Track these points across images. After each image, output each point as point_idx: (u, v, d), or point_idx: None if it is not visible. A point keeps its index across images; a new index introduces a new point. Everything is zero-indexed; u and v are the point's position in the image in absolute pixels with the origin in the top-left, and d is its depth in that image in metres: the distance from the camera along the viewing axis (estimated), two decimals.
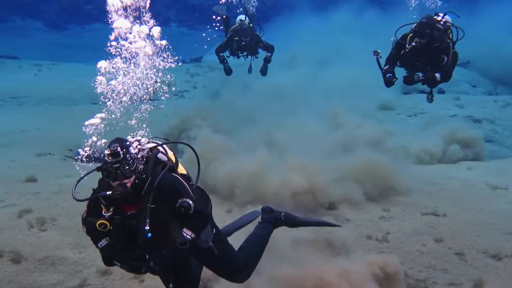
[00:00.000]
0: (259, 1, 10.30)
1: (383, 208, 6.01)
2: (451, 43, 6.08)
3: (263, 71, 9.64)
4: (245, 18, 9.22)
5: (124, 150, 2.89)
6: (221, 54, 9.47)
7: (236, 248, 3.57)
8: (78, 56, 24.39)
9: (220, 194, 6.44)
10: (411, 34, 6.05)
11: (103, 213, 2.91)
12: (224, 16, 10.00)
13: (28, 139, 9.94)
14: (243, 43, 9.18)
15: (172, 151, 3.38)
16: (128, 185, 2.84)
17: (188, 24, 36.21)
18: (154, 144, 3.20)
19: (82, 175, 2.99)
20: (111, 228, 2.90)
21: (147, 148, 3.13)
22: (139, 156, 2.96)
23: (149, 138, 3.32)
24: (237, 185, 6.28)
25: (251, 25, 9.25)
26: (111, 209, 2.91)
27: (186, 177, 3.26)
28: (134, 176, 2.87)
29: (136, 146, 3.03)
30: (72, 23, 34.41)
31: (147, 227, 2.82)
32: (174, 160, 3.29)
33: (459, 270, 4.58)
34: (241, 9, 9.84)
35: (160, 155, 3.16)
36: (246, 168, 6.43)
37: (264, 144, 7.49)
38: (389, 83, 6.31)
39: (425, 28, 5.88)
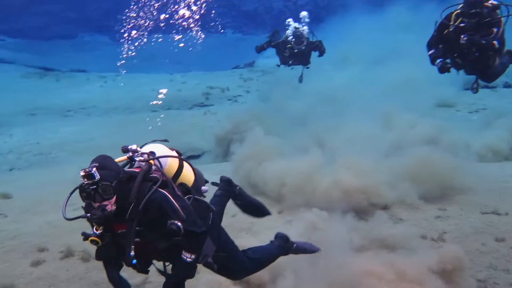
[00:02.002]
0: (311, 3, 10.32)
1: (439, 208, 5.79)
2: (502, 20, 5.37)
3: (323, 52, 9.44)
4: (299, 25, 9.16)
5: (103, 170, 2.66)
6: (267, 45, 9.57)
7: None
8: (139, 66, 25.49)
9: (269, 195, 6.46)
10: (456, 12, 5.45)
11: (94, 230, 2.81)
12: (274, 31, 10.09)
13: (96, 147, 10.62)
14: (296, 50, 9.07)
15: (178, 154, 3.20)
16: (108, 207, 2.67)
17: (242, 30, 36.82)
18: (147, 157, 2.95)
19: (69, 195, 2.84)
20: (104, 243, 2.81)
21: (139, 161, 2.95)
22: (121, 176, 2.76)
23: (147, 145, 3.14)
24: (287, 185, 6.27)
25: (305, 32, 9.16)
26: (100, 228, 2.78)
27: (185, 187, 3.11)
28: (115, 197, 2.69)
29: (119, 165, 2.86)
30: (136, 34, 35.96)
31: (132, 253, 2.69)
32: (175, 168, 3.10)
33: None
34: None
35: (153, 168, 2.94)
36: (296, 168, 6.45)
37: (315, 145, 7.50)
38: (442, 69, 5.63)
39: (473, 7, 5.26)
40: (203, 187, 3.39)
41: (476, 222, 5.31)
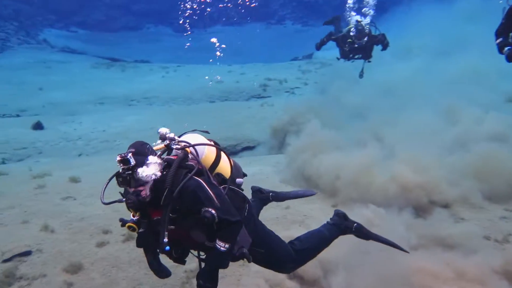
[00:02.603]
0: None
1: (505, 208, 5.50)
2: None
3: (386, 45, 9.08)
4: (361, 18, 8.89)
5: (139, 156, 2.71)
6: (326, 40, 9.29)
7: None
8: (200, 57, 26.11)
9: (323, 188, 6.43)
10: None
11: (132, 216, 2.85)
12: (334, 17, 9.84)
13: (156, 135, 11.03)
14: (357, 45, 8.83)
15: (216, 145, 3.17)
16: (143, 193, 2.69)
17: (302, 21, 36.54)
18: (185, 144, 2.96)
19: (108, 180, 2.89)
20: (141, 230, 2.85)
21: (175, 149, 2.95)
22: (158, 161, 2.77)
23: (186, 135, 3.12)
24: (341, 178, 6.20)
25: (367, 26, 8.84)
26: (137, 214, 2.82)
27: (220, 178, 3.06)
28: (152, 182, 2.71)
29: (153, 151, 2.86)
30: (196, 26, 36.88)
31: (166, 239, 2.68)
32: (212, 158, 3.09)
33: None
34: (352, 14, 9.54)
35: (190, 157, 2.94)
36: (353, 161, 6.36)
37: (373, 139, 7.34)
38: (510, 57, 5.23)
39: None
40: (238, 179, 3.31)
41: None
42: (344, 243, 4.58)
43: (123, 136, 11.13)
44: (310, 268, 4.34)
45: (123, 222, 2.86)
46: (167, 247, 2.70)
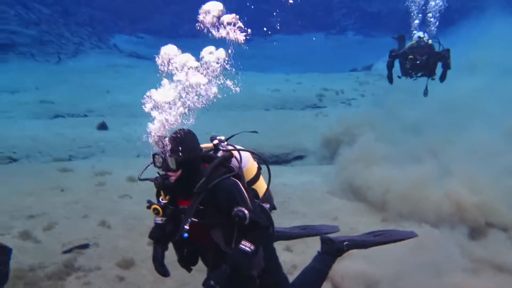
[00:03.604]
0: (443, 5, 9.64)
1: None
2: None
3: (443, 77, 8.59)
4: (424, 34, 8.49)
5: (176, 141, 2.70)
6: (390, 59, 8.78)
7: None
8: (260, 65, 26.46)
9: (371, 200, 6.37)
10: None
11: (160, 199, 2.84)
12: (399, 36, 9.57)
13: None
14: (418, 62, 8.35)
15: (258, 164, 3.12)
16: (172, 178, 2.69)
17: (364, 32, 36.08)
18: (232, 147, 2.96)
19: (149, 163, 2.85)
20: (163, 216, 2.85)
21: (222, 150, 2.95)
22: (197, 153, 2.79)
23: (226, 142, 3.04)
24: (392, 191, 6.10)
25: (429, 42, 8.37)
26: (167, 197, 2.82)
27: (254, 192, 3.01)
28: (181, 171, 2.70)
29: (198, 144, 2.85)
30: (256, 34, 37.42)
31: (187, 227, 2.64)
32: (253, 173, 3.04)
33: None
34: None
35: (233, 160, 2.90)
36: (405, 175, 6.24)
37: (429, 156, 7.14)
38: None
39: None
40: (266, 205, 3.14)
41: None
42: (389, 260, 4.55)
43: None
44: (350, 284, 4.31)
45: (150, 204, 2.85)
46: (186, 234, 2.65)
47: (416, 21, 9.50)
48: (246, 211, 2.64)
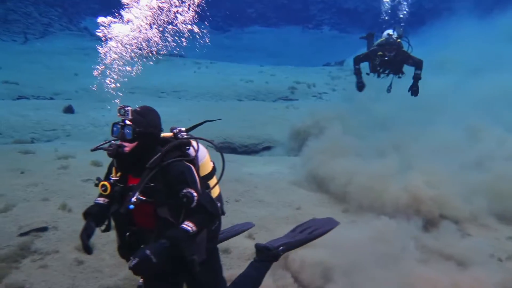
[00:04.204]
0: (416, 5, 9.77)
1: None
2: None
3: (415, 91, 8.47)
4: (393, 32, 8.54)
5: (138, 115, 2.71)
6: (358, 66, 8.79)
7: None
8: (236, 56, 26.35)
9: (334, 192, 6.50)
10: None
11: (111, 176, 2.80)
12: (368, 34, 9.66)
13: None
14: (386, 58, 8.40)
15: (212, 162, 3.11)
16: (126, 148, 2.65)
17: (339, 27, 36.40)
18: (190, 136, 2.95)
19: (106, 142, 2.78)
20: (110, 193, 2.76)
21: (181, 135, 2.91)
22: (156, 131, 2.78)
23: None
24: (354, 183, 6.24)
25: (398, 40, 8.44)
26: (118, 174, 2.77)
27: (206, 184, 2.97)
28: (137, 143, 2.67)
29: (160, 123, 2.82)
30: (234, 26, 37.25)
31: (134, 199, 2.58)
32: (209, 169, 3.02)
33: None
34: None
35: (190, 149, 2.89)
36: (368, 168, 6.39)
37: (393, 150, 7.31)
38: None
39: None
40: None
41: None
42: (347, 250, 4.66)
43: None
44: (310, 275, 4.40)
45: (99, 181, 2.80)
46: (132, 206, 2.59)
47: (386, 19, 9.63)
48: (194, 193, 2.61)
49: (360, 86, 8.91)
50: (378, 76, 8.99)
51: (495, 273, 3.99)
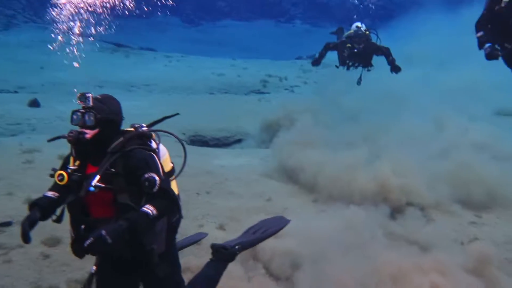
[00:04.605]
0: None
1: (475, 214, 5.68)
2: None
3: (396, 68, 8.60)
4: (362, 25, 8.70)
5: (99, 102, 2.67)
6: (324, 52, 8.97)
7: None
8: (207, 50, 26.16)
9: (303, 182, 6.58)
10: None
11: (68, 166, 2.69)
12: (338, 29, 9.77)
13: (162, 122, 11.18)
14: (355, 50, 8.54)
15: (172, 163, 3.04)
16: (87, 136, 2.60)
17: (311, 22, 36.60)
18: (152, 129, 2.92)
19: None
20: (68, 183, 2.65)
21: (142, 128, 2.86)
22: (118, 118, 2.76)
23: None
24: (324, 173, 6.32)
25: (367, 32, 8.61)
26: (76, 163, 2.68)
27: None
28: (98, 130, 2.63)
29: (120, 111, 2.81)
30: (205, 19, 36.98)
31: (95, 181, 2.52)
32: (168, 167, 2.96)
33: None
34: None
35: (152, 142, 2.85)
36: (337, 159, 6.49)
37: (363, 142, 7.45)
38: (490, 55, 4.63)
39: None
40: None
41: (511, 231, 5.12)
42: (317, 239, 4.73)
43: None
44: (279, 265, 4.44)
45: (55, 171, 2.70)
46: (92, 188, 2.53)
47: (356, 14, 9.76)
48: (156, 178, 2.56)
49: (315, 61, 9.14)
50: (348, 69, 9.12)
51: (457, 256, 4.13)
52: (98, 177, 2.55)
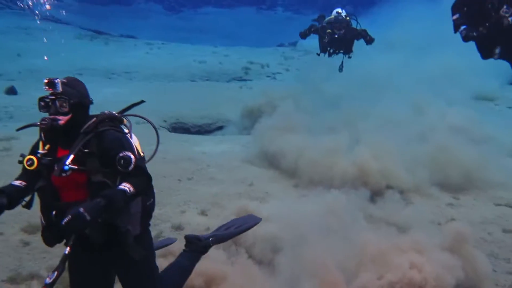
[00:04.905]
0: None
1: (453, 196, 5.81)
2: None
3: (370, 40, 8.67)
4: (342, 10, 8.70)
5: (67, 87, 2.58)
6: (307, 32, 8.92)
7: None
8: (189, 37, 25.91)
9: (284, 168, 6.63)
10: None
11: (39, 150, 2.61)
12: (319, 16, 9.75)
13: (131, 110, 11.06)
14: (336, 35, 8.48)
15: (143, 153, 2.94)
16: (61, 122, 2.53)
17: (293, 9, 36.50)
18: (121, 115, 2.83)
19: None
20: (38, 168, 2.56)
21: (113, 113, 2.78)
22: (88, 101, 2.69)
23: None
24: (304, 157, 6.38)
25: (347, 18, 8.59)
26: (46, 147, 2.60)
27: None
28: (71, 116, 2.56)
29: (88, 93, 2.71)
30: (187, 6, 36.58)
31: (68, 161, 2.45)
32: (138, 150, 2.87)
33: None
34: None
35: (123, 127, 2.80)
36: (318, 144, 6.54)
37: (344, 127, 7.50)
38: (466, 37, 4.66)
39: None
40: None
41: (487, 212, 5.30)
42: (299, 225, 4.78)
43: (98, 107, 10.99)
44: (261, 250, 4.46)
45: (23, 157, 2.62)
46: (67, 167, 2.45)
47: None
48: (132, 156, 2.52)
49: (303, 34, 9.04)
50: (329, 55, 9.13)
51: (434, 236, 4.22)
52: (72, 156, 2.49)
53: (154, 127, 3.06)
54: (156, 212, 5.23)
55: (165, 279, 3.03)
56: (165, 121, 10.58)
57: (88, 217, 2.31)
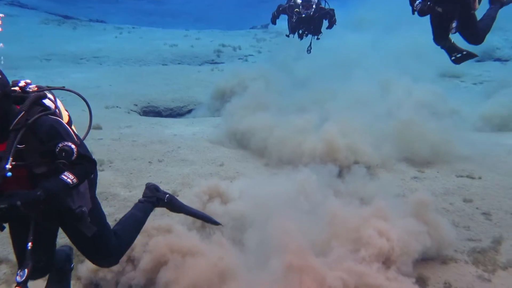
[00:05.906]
0: None
1: (418, 170, 5.95)
2: None
3: (333, 22, 8.59)
4: None
5: None
6: (277, 15, 8.71)
7: None
8: (159, 22, 25.50)
9: (254, 147, 6.67)
10: None
11: None
12: None
13: (101, 94, 10.92)
14: (304, 15, 8.29)
15: (67, 111, 2.89)
16: None
17: None
18: (41, 87, 2.67)
19: None
20: None
21: (29, 88, 2.63)
22: (8, 89, 2.44)
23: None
24: (274, 136, 6.43)
25: None
26: None
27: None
28: None
29: (6, 80, 2.46)
30: None
31: (8, 165, 2.30)
32: (66, 118, 2.80)
33: (481, 228, 4.54)
34: None
35: (46, 102, 2.63)
36: (287, 122, 6.60)
37: (313, 106, 7.57)
38: (422, 12, 4.70)
39: None
40: None
41: (449, 184, 5.46)
42: (270, 203, 4.83)
43: (67, 93, 10.84)
44: (232, 229, 4.50)
45: None
46: (9, 173, 2.31)
47: None
48: (72, 145, 2.42)
49: (273, 17, 8.90)
50: (300, 38, 9.07)
51: (398, 204, 4.35)
52: (11, 159, 2.33)
53: (85, 100, 3.01)
54: (126, 194, 5.31)
55: (119, 235, 3.05)
56: (135, 104, 10.47)
57: (23, 210, 2.25)
